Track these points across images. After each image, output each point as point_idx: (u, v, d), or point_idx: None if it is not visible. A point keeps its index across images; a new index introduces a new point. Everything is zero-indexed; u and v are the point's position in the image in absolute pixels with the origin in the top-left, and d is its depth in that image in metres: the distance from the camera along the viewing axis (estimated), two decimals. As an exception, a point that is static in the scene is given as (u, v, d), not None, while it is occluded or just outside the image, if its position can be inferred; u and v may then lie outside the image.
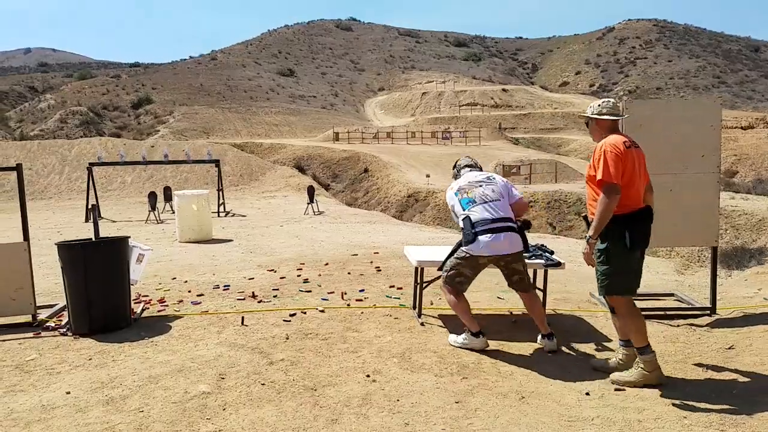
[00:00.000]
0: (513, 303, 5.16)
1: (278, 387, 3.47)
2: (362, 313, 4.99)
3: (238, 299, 5.57)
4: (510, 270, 4.19)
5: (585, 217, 3.75)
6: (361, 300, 5.43)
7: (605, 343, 4.32)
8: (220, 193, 15.80)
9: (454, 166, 4.75)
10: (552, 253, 4.82)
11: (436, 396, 3.37)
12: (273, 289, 5.96)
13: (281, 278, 6.52)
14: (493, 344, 4.18)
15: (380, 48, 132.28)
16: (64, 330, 4.73)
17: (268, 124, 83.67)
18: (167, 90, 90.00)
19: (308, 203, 15.29)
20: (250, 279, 6.55)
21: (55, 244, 4.73)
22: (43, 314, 5.12)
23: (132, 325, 4.79)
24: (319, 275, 6.61)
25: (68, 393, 3.44)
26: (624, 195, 3.48)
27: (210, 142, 37.81)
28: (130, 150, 22.95)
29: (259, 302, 5.46)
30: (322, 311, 5.05)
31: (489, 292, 5.65)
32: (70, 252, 4.67)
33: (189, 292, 6.03)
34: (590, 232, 3.52)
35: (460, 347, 4.14)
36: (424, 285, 4.83)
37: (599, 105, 3.81)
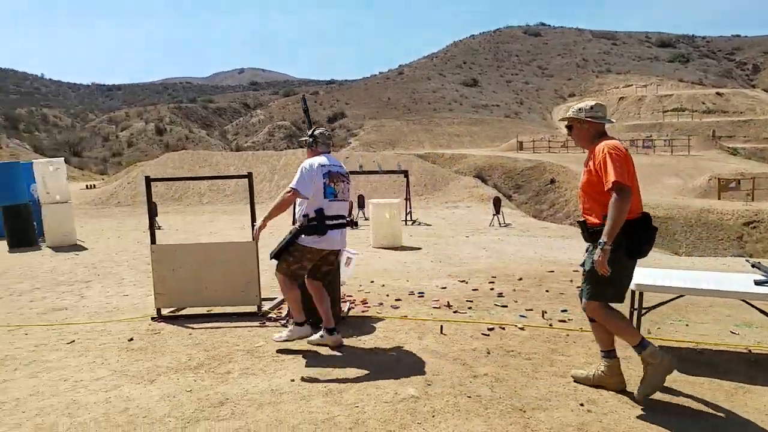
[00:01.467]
0: (750, 339, 4.62)
1: (485, 402, 3.48)
2: (568, 335, 4.81)
3: (433, 307, 5.72)
4: (329, 261, 4.47)
5: (582, 222, 3.61)
6: (564, 321, 5.24)
7: None
8: (408, 202, 16.36)
9: (312, 134, 4.49)
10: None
11: None
12: (467, 300, 6.01)
13: (474, 290, 6.55)
14: (728, 386, 3.70)
15: (571, 52, 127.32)
16: (284, 322, 5.25)
17: (450, 134, 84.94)
18: (359, 105, 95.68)
19: (494, 214, 15.20)
20: (442, 288, 6.69)
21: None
22: (265, 306, 5.74)
23: (341, 322, 5.16)
24: (514, 290, 6.52)
25: (292, 381, 3.80)
26: None
27: (396, 154, 39.36)
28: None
29: (454, 312, 5.55)
30: (522, 329, 4.97)
31: (719, 325, 5.11)
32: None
33: (387, 296, 6.33)
34: (604, 237, 3.33)
35: (285, 341, 4.42)
36: (643, 312, 4.46)
37: (591, 107, 3.63)
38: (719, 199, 27.81)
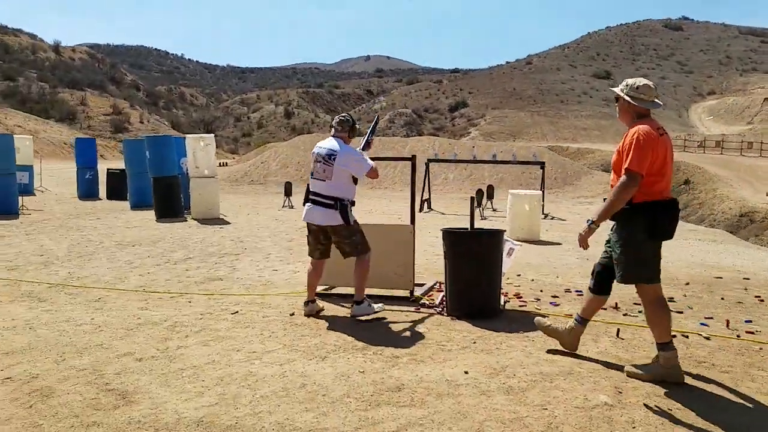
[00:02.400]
0: None
1: (688, 417, 3.08)
2: (761, 348, 4.26)
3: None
4: (317, 237, 4.93)
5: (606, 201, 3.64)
6: (752, 333, 4.66)
7: None
8: (542, 194, 15.71)
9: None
10: None
11: None
12: (634, 303, 5.52)
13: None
14: None
15: (714, 48, 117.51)
16: (440, 309, 5.08)
17: (576, 128, 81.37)
18: (482, 94, 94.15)
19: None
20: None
21: (441, 230, 5.08)
22: (416, 291, 5.60)
23: (499, 315, 4.91)
24: (684, 296, 5.93)
25: (466, 373, 3.61)
26: (654, 183, 3.43)
27: (522, 146, 38.20)
28: (452, 150, 24.46)
29: (624, 315, 5.11)
30: (707, 338, 4.46)
31: None
32: (457, 239, 4.97)
33: (541, 291, 5.99)
34: (594, 217, 3.52)
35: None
36: None
37: (638, 88, 3.57)
38: None
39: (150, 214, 12.98)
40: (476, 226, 5.23)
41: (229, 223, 12.07)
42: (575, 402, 3.22)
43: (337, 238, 4.86)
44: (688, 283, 6.56)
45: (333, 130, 4.99)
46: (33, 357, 3.97)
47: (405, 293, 5.54)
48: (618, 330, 4.51)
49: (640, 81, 3.62)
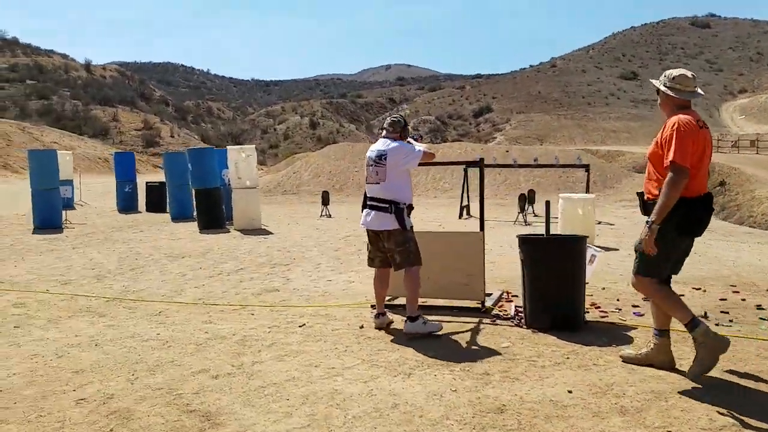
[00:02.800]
0: None
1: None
2: None
3: (686, 317, 4.97)
4: (375, 244, 4.70)
5: (640, 194, 3.62)
6: None
7: None
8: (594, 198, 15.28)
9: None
10: None
11: None
12: (721, 312, 5.20)
13: (721, 300, 5.68)
14: None
15: (744, 45, 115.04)
16: (516, 321, 4.82)
17: (605, 130, 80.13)
18: (506, 99, 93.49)
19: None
20: (680, 295, 5.87)
21: (517, 236, 4.83)
22: (486, 301, 5.34)
23: (583, 328, 4.62)
24: (779, 304, 5.55)
25: (570, 392, 3.34)
26: (690, 177, 3.28)
27: (556, 149, 37.60)
28: (486, 155, 24.11)
29: (716, 324, 4.78)
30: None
31: None
32: (537, 246, 4.71)
33: (617, 300, 5.67)
34: (653, 217, 3.32)
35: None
36: None
37: (673, 78, 3.50)
38: None
39: (192, 226, 12.94)
40: (525, 232, 4.97)
41: (271, 233, 11.96)
42: (700, 423, 2.93)
43: (390, 245, 4.61)
44: (769, 289, 6.17)
45: (384, 131, 4.79)
46: (104, 375, 3.82)
47: (473, 304, 5.29)
48: (719, 341, 4.18)
49: (677, 71, 3.56)
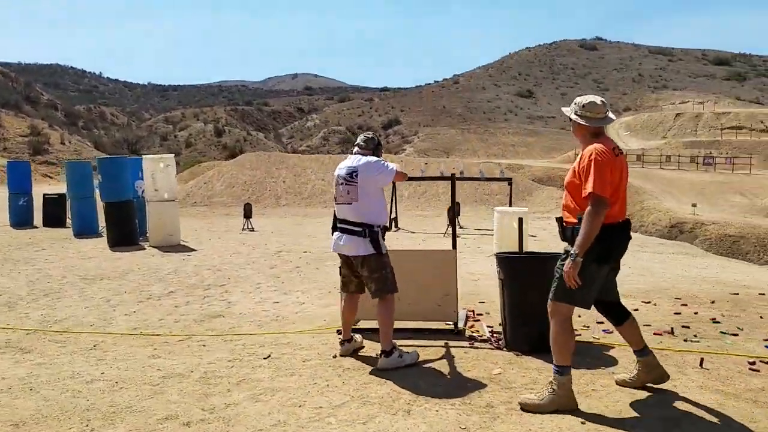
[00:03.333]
0: None
1: None
2: None
3: (654, 333, 5.02)
4: (350, 268, 4.38)
5: (559, 219, 3.56)
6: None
7: None
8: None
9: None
10: None
11: None
12: (682, 326, 5.31)
13: (676, 314, 5.83)
14: None
15: (627, 67, 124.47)
16: (495, 343, 4.66)
17: (504, 144, 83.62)
18: (413, 112, 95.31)
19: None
20: (635, 310, 5.98)
21: (495, 255, 4.68)
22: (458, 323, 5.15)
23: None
24: (722, 315, 5.77)
25: (583, 423, 3.19)
26: (610, 204, 3.28)
27: (451, 160, 38.57)
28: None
29: (685, 341, 4.86)
30: (784, 362, 4.26)
31: None
32: (519, 265, 4.58)
33: (579, 317, 5.65)
34: (576, 249, 3.25)
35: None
36: None
37: (583, 106, 3.45)
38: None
39: (101, 243, 11.87)
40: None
41: (194, 249, 11.20)
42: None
43: (364, 271, 4.29)
44: (714, 302, 6.42)
45: (356, 148, 4.50)
46: (52, 428, 3.25)
47: (443, 325, 5.08)
48: (702, 360, 4.22)
49: (587, 99, 3.50)
